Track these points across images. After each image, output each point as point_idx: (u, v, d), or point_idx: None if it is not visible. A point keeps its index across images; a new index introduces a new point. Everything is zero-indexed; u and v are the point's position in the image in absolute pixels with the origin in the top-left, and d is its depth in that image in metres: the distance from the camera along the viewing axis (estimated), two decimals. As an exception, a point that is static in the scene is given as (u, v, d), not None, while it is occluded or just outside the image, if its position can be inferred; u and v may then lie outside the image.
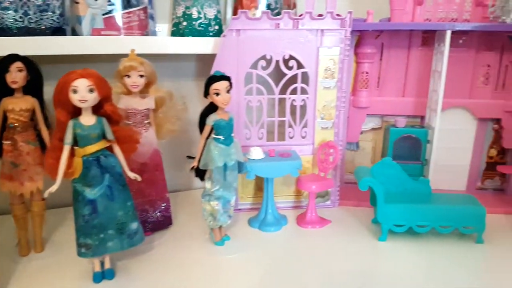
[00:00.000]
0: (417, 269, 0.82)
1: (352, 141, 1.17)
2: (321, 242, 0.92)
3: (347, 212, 1.08)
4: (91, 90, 0.70)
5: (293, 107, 1.03)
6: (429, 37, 1.07)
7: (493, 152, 1.13)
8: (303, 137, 1.05)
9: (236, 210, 1.05)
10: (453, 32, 0.99)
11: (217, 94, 0.81)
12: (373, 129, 1.17)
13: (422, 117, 1.12)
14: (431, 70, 1.07)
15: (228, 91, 0.82)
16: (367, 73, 1.11)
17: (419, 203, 0.92)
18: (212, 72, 0.90)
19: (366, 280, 0.78)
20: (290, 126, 1.04)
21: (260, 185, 1.05)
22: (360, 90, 1.12)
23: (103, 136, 0.74)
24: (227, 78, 0.82)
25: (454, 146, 1.12)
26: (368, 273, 0.80)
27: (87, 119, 0.72)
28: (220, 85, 0.81)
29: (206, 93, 0.82)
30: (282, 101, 1.02)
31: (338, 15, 0.98)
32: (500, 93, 1.08)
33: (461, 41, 1.05)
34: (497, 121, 1.10)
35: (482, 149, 1.13)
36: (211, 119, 0.83)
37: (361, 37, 1.09)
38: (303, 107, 1.03)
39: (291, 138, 1.05)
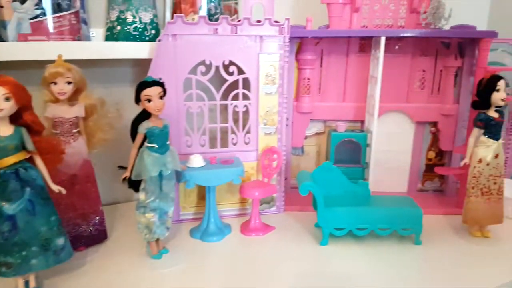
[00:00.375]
0: (358, 271, 0.82)
1: (297, 146, 1.17)
2: (264, 249, 0.91)
3: (292, 217, 1.07)
4: (7, 99, 0.65)
5: (235, 113, 1.01)
6: (366, 44, 1.09)
7: (432, 154, 1.17)
8: (247, 143, 1.04)
9: (178, 221, 1.02)
10: (389, 38, 1.02)
11: (149, 100, 0.78)
12: (317, 133, 1.18)
13: (362, 122, 1.14)
14: (369, 76, 1.09)
15: (161, 97, 0.79)
16: (308, 79, 1.11)
17: (358, 206, 0.93)
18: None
19: (307, 285, 0.77)
20: (233, 132, 1.02)
21: (203, 193, 1.02)
22: (303, 95, 1.12)
23: (23, 147, 0.69)
24: (160, 84, 0.79)
25: (394, 149, 1.15)
26: (310, 278, 0.79)
27: (4, 129, 0.67)
28: (152, 91, 0.78)
29: (137, 100, 0.79)
30: (224, 107, 1.01)
31: (276, 21, 0.98)
32: (436, 97, 1.12)
33: (397, 47, 1.08)
34: (434, 124, 1.14)
35: (421, 151, 1.16)
36: (144, 127, 0.80)
37: (301, 43, 1.09)
38: (246, 113, 1.02)
39: (234, 144, 1.03)
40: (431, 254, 0.89)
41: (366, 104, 1.11)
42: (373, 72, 1.05)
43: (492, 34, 0.98)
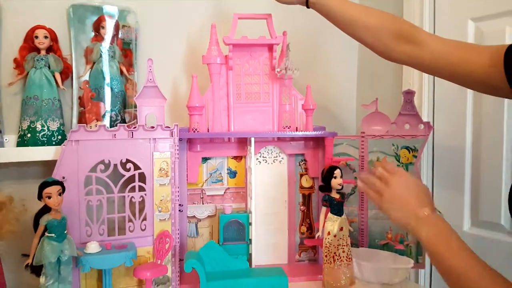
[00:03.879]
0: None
1: (192, 229, 1.36)
2: (154, 323, 1.04)
3: (185, 295, 1.21)
4: None
5: (132, 203, 1.19)
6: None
7: (304, 228, 1.40)
8: (143, 230, 1.20)
9: (79, 305, 1.12)
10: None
11: (49, 197, 0.94)
12: (209, 216, 1.38)
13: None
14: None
15: (60, 194, 0.96)
16: (199, 170, 1.34)
17: (235, 279, 1.11)
18: (53, 176, 1.05)
19: None
20: (130, 220, 1.19)
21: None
22: (196, 184, 1.34)
23: None
24: (59, 183, 0.96)
25: (273, 227, 1.38)
26: None
27: None
28: (52, 189, 0.95)
29: (40, 197, 0.95)
30: (122, 199, 1.18)
31: (167, 127, 1.21)
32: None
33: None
34: (303, 203, 1.40)
35: (295, 226, 1.40)
36: (44, 219, 0.95)
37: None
38: (142, 203, 1.20)
39: (131, 231, 1.19)
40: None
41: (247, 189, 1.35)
42: (250, 164, 1.31)
43: (333, 135, 1.31)
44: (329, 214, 1.18)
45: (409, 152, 1.37)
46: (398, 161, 1.37)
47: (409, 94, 1.36)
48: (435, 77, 1.45)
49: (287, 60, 1.30)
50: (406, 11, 1.61)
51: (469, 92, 1.38)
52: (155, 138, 1.20)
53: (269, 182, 1.38)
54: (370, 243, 1.41)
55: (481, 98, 1.35)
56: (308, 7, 1.08)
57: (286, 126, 1.35)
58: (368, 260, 1.28)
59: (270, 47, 1.34)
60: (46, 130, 1.16)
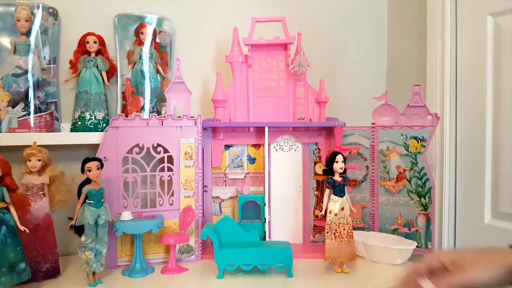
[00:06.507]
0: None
1: (217, 208, 1.54)
2: (174, 283, 1.22)
3: (206, 263, 1.38)
4: (-6, 169, 1.04)
5: (162, 181, 1.39)
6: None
7: (318, 212, 1.52)
8: (171, 204, 1.40)
9: (116, 267, 1.33)
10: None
11: (89, 170, 1.17)
12: (231, 197, 1.55)
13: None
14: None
15: (98, 169, 1.18)
16: (222, 156, 1.52)
17: (245, 248, 1.26)
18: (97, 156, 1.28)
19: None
20: (160, 196, 1.39)
21: (137, 243, 1.35)
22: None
23: (2, 199, 1.07)
24: (98, 159, 1.19)
25: (288, 209, 1.51)
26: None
27: (-11, 188, 1.06)
28: (92, 164, 1.17)
29: (82, 170, 1.18)
30: (153, 177, 1.39)
31: (192, 116, 1.40)
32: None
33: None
34: (317, 188, 1.51)
35: (309, 210, 1.52)
36: (85, 189, 1.17)
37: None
38: (170, 181, 1.40)
39: (161, 205, 1.39)
40: (298, 283, 1.21)
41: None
42: (265, 153, 1.46)
43: (341, 125, 1.42)
44: (332, 195, 1.29)
45: (418, 142, 1.44)
46: (407, 150, 1.45)
47: (417, 86, 1.43)
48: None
49: (300, 58, 1.44)
50: (429, 7, 1.68)
51: (489, 90, 1.46)
52: (181, 126, 1.39)
53: (285, 169, 1.52)
54: (381, 227, 1.49)
55: (500, 95, 1.41)
56: None
57: (300, 118, 1.48)
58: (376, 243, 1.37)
59: (285, 46, 1.48)
60: (94, 119, 1.40)
